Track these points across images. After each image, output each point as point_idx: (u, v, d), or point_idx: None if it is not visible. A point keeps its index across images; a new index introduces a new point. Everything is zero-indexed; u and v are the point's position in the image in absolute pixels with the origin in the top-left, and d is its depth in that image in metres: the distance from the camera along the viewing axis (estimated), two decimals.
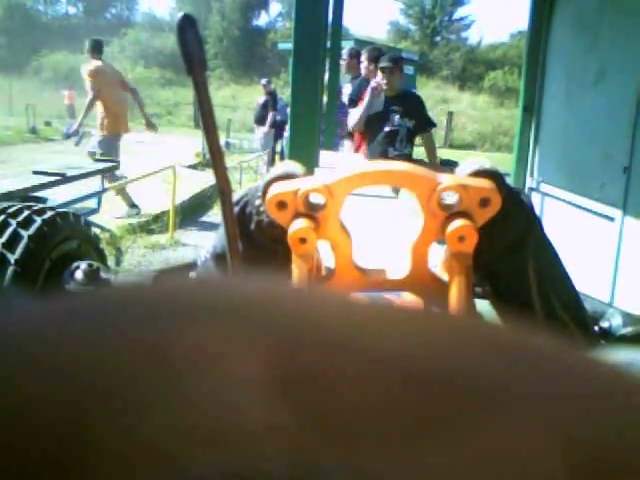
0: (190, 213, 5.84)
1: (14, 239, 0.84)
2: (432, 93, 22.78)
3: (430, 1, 30.15)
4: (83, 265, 0.86)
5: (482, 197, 0.45)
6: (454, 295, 0.46)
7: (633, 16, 2.84)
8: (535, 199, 3.85)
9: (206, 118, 0.37)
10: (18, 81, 20.34)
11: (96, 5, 35.21)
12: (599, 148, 3.08)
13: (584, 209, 3.22)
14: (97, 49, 5.31)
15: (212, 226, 5.39)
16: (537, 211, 0.55)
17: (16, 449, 0.09)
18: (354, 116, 3.79)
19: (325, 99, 4.79)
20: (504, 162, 5.86)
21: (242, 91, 23.84)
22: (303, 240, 0.46)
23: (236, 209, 0.51)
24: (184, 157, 9.24)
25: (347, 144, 5.00)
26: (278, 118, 9.14)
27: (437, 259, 0.50)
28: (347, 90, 4.87)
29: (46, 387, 0.10)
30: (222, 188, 0.40)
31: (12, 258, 0.82)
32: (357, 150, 4.19)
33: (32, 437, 0.09)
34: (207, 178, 6.97)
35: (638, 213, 2.71)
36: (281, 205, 0.47)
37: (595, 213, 3.09)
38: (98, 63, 5.26)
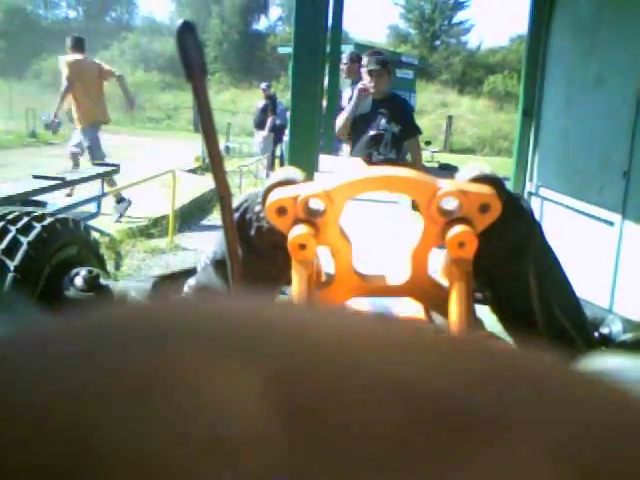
0: (190, 217, 5.84)
1: (13, 245, 0.84)
2: (432, 97, 22.82)
3: (430, 5, 30.23)
4: (83, 271, 0.86)
5: (482, 203, 0.45)
6: (454, 301, 0.46)
7: (632, 20, 2.85)
8: (534, 203, 3.85)
9: (206, 124, 0.37)
10: (18, 85, 20.37)
11: (96, 9, 35.30)
12: (598, 152, 3.09)
13: (583, 213, 3.22)
14: (78, 45, 5.55)
15: (212, 230, 5.40)
16: (536, 215, 0.55)
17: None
18: (340, 119, 3.77)
19: (325, 103, 4.80)
20: (504, 166, 5.87)
21: (242, 95, 23.88)
22: (303, 246, 0.46)
23: (236, 215, 0.51)
24: (184, 161, 9.25)
25: (346, 148, 5.01)
26: (278, 122, 9.15)
27: (437, 265, 0.50)
28: (347, 94, 4.88)
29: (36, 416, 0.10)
30: (222, 193, 0.40)
31: (11, 265, 0.82)
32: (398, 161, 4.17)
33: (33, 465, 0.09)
34: (207, 182, 6.97)
35: (637, 217, 2.71)
36: (281, 211, 0.46)
37: (594, 217, 3.10)
38: (75, 56, 5.51)
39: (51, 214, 0.95)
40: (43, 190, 3.35)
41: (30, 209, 0.98)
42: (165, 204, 5.27)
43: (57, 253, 0.90)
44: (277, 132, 9.05)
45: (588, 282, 2.66)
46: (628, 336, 0.61)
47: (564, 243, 3.02)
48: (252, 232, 0.52)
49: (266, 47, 28.47)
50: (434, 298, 0.50)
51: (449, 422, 0.10)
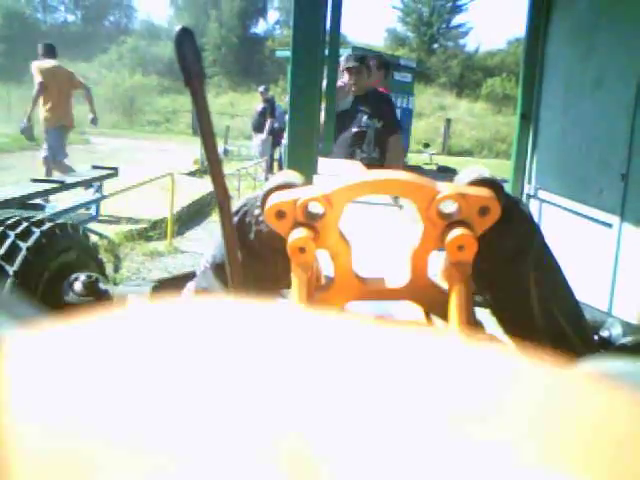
0: (188, 220, 5.84)
1: (13, 251, 0.84)
2: (430, 100, 22.86)
3: (427, 8, 30.30)
4: (82, 276, 0.86)
5: (481, 206, 0.45)
6: (454, 304, 0.46)
7: (630, 23, 2.86)
8: (533, 206, 3.85)
9: (204, 127, 0.37)
10: (17, 89, 20.37)
11: (94, 13, 35.33)
12: (596, 155, 3.09)
13: (582, 216, 3.22)
14: (48, 51, 5.88)
15: (210, 233, 5.39)
16: (535, 218, 0.55)
17: None
18: (321, 118, 3.72)
19: (323, 106, 4.80)
20: (502, 169, 5.88)
21: (240, 98, 23.90)
22: (302, 249, 0.46)
23: (235, 219, 0.51)
24: (182, 164, 9.25)
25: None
26: (276, 125, 9.17)
27: (437, 268, 0.50)
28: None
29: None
30: (221, 197, 0.40)
31: (11, 270, 0.82)
32: (381, 158, 4.12)
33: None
34: (205, 185, 6.98)
35: (636, 220, 2.71)
36: (280, 215, 0.46)
37: (593, 220, 3.10)
38: (46, 61, 5.81)
39: (50, 219, 0.95)
40: (41, 193, 3.35)
41: (29, 214, 0.98)
42: (164, 207, 5.27)
43: (56, 258, 0.90)
44: (275, 135, 9.06)
45: (587, 284, 2.66)
46: (628, 339, 0.61)
47: (562, 245, 3.02)
48: (251, 236, 0.52)
49: (264, 50, 28.51)
50: (434, 301, 0.50)
51: (445, 431, 0.10)
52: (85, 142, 14.04)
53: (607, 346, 0.62)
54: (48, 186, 3.51)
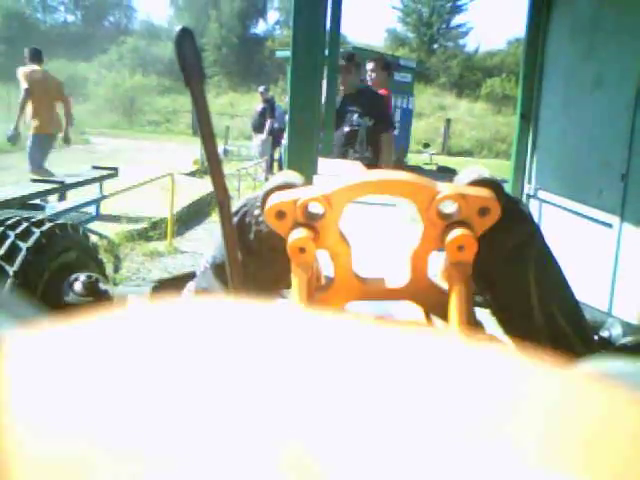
0: (188, 220, 5.84)
1: (13, 251, 0.84)
2: (430, 100, 22.86)
3: (427, 9, 30.29)
4: (82, 277, 0.86)
5: (481, 206, 0.45)
6: (454, 304, 0.46)
7: (630, 23, 2.86)
8: (533, 206, 3.85)
9: (204, 128, 0.37)
10: (16, 89, 20.31)
11: (94, 13, 35.32)
12: (597, 155, 3.09)
13: (582, 216, 3.22)
14: (35, 56, 5.93)
15: (210, 233, 5.39)
16: (535, 218, 0.55)
17: None
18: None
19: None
20: (502, 169, 5.88)
21: (240, 99, 23.89)
22: (302, 250, 0.46)
23: (235, 219, 0.51)
24: (182, 164, 9.25)
25: None
26: (276, 125, 9.16)
27: (437, 268, 0.50)
28: None
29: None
30: (221, 198, 0.40)
31: (11, 270, 0.82)
32: (373, 157, 4.09)
33: None
34: (205, 185, 6.97)
35: (636, 220, 2.71)
36: (280, 215, 0.46)
37: (593, 220, 3.10)
38: (32, 67, 5.85)
39: (50, 219, 0.95)
40: (41, 194, 3.35)
41: (29, 214, 0.98)
42: (164, 207, 5.27)
43: (56, 258, 0.90)
44: (275, 135, 9.06)
45: (587, 285, 2.66)
46: (628, 339, 0.61)
47: (563, 245, 3.02)
48: (251, 236, 0.52)
49: (264, 51, 28.50)
50: (434, 301, 0.50)
51: (449, 430, 0.10)
52: (85, 142, 14.03)
53: (607, 346, 0.62)
54: (48, 186, 3.51)
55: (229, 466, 0.09)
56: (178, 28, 0.34)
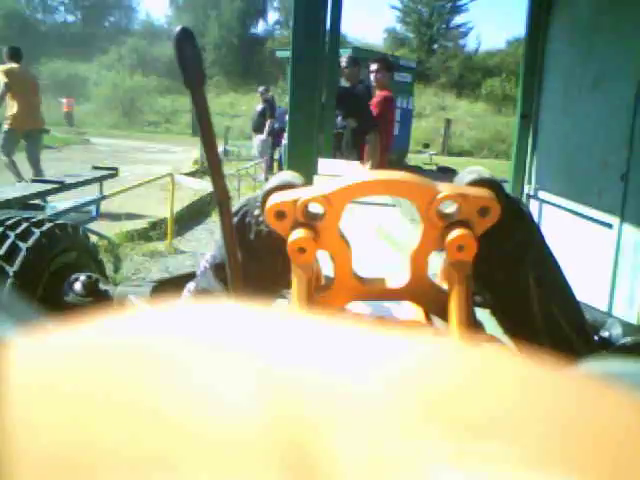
0: (188, 220, 5.84)
1: (13, 251, 0.84)
2: (430, 100, 22.88)
3: (427, 9, 30.30)
4: (82, 277, 0.86)
5: (481, 206, 0.45)
6: (454, 304, 0.46)
7: (630, 23, 2.86)
8: (533, 206, 3.86)
9: (204, 128, 0.37)
10: None
11: (95, 13, 35.33)
12: (596, 155, 3.09)
13: (582, 216, 3.22)
14: (14, 54, 6.08)
15: (210, 233, 5.40)
16: (535, 218, 0.55)
17: None
18: None
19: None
20: (502, 169, 5.88)
21: (240, 99, 23.91)
22: (302, 250, 0.46)
23: (235, 219, 0.51)
24: (182, 164, 9.26)
25: None
26: (276, 126, 9.17)
27: (437, 268, 0.50)
28: None
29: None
30: (221, 198, 0.40)
31: (11, 270, 0.82)
32: (360, 158, 4.11)
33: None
34: (205, 185, 6.98)
35: (636, 220, 2.71)
36: (280, 215, 0.46)
37: (593, 220, 3.10)
38: (11, 65, 6.00)
39: (50, 220, 0.95)
40: (41, 194, 3.35)
41: (29, 214, 0.98)
42: (164, 207, 5.27)
43: (56, 259, 0.90)
44: (275, 135, 9.06)
45: (586, 284, 2.66)
46: (628, 339, 0.61)
47: (563, 245, 3.02)
48: (251, 236, 0.52)
49: (264, 51, 28.51)
50: (434, 301, 0.50)
51: (441, 423, 0.10)
52: (85, 142, 14.04)
53: (607, 346, 0.62)
54: (48, 186, 3.51)
55: (229, 466, 0.09)
56: (178, 28, 0.34)
